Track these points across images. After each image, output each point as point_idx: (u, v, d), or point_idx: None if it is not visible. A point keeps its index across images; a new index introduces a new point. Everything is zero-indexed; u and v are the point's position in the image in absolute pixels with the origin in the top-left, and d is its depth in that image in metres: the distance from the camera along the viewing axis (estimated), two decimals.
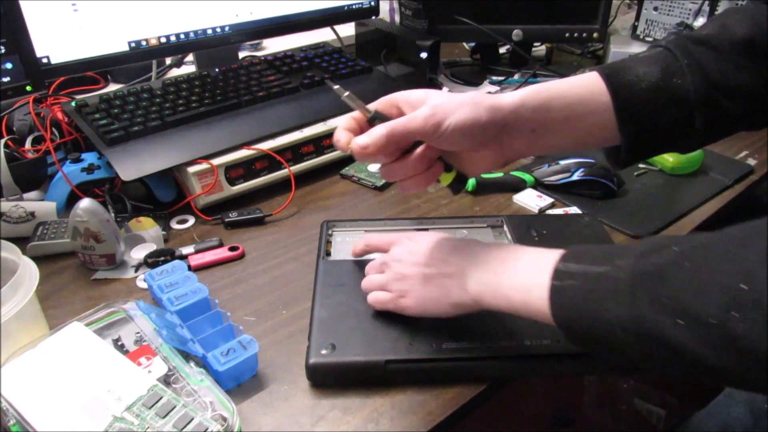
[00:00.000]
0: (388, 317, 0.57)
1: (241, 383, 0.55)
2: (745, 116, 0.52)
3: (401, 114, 0.52)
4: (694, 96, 0.50)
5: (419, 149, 0.51)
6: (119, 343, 0.55)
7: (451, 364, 0.54)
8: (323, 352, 0.54)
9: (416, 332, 0.56)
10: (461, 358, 0.54)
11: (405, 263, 0.56)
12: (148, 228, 0.73)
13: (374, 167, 0.89)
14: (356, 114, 0.52)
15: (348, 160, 0.90)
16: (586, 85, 0.52)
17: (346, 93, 0.50)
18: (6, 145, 0.76)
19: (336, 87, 0.51)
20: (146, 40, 0.87)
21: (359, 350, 0.54)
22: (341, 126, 0.51)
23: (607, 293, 0.40)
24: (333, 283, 0.63)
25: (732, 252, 0.36)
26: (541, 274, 0.45)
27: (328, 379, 0.54)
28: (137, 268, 0.70)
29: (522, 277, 0.47)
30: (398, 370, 0.54)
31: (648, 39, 1.23)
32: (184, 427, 0.46)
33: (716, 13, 1.09)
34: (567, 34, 1.18)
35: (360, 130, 0.51)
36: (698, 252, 0.38)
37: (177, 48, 0.92)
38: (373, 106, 0.52)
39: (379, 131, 0.48)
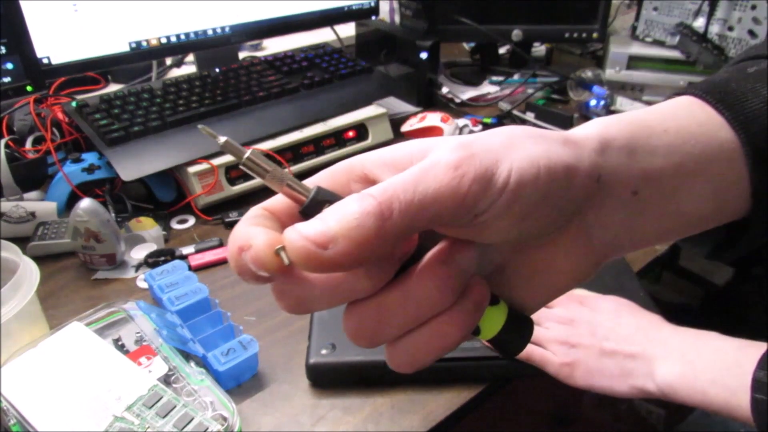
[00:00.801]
0: None
1: (241, 383, 0.55)
2: None
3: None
4: None
5: (434, 254, 0.24)
6: (119, 343, 0.55)
7: (451, 364, 0.54)
8: (323, 352, 0.54)
9: None
10: (461, 358, 0.54)
11: (581, 332, 0.53)
12: (148, 228, 0.73)
13: None
14: (274, 201, 0.25)
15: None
16: (692, 114, 0.29)
17: (224, 139, 0.24)
18: (6, 145, 0.76)
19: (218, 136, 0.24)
20: (146, 40, 0.87)
21: (359, 350, 0.54)
22: (246, 221, 0.24)
23: None
24: None
25: None
26: (741, 376, 0.43)
27: (328, 379, 0.54)
28: (137, 268, 0.70)
29: (723, 377, 0.45)
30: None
31: (647, 39, 1.23)
32: (185, 427, 0.46)
33: (715, 13, 1.09)
34: (567, 35, 1.18)
35: (281, 226, 0.24)
36: None
37: (177, 48, 0.92)
38: (313, 182, 0.25)
39: (353, 207, 0.21)
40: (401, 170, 0.23)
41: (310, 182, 0.25)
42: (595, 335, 0.52)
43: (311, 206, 0.23)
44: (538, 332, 0.52)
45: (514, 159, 0.23)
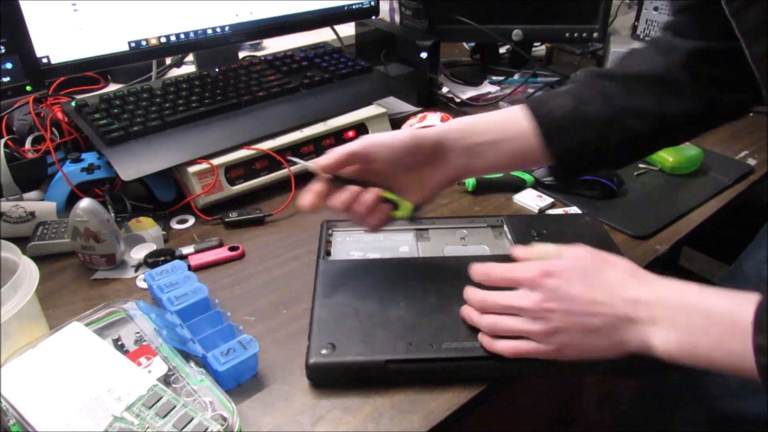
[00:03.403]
0: (388, 317, 0.57)
1: (241, 383, 0.54)
2: (659, 133, 0.62)
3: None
4: (602, 119, 0.60)
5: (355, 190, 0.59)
6: (119, 343, 0.55)
7: (451, 364, 0.54)
8: (323, 352, 0.54)
9: (415, 331, 0.56)
10: (461, 358, 0.54)
11: (557, 313, 0.50)
12: (148, 228, 0.73)
13: None
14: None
15: None
16: (508, 113, 0.62)
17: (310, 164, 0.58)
18: (6, 145, 0.76)
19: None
20: (146, 40, 0.87)
21: (359, 350, 0.54)
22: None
23: None
24: (333, 283, 0.63)
25: None
26: (743, 338, 0.43)
27: (328, 379, 0.54)
28: (137, 268, 0.70)
29: (723, 341, 0.45)
30: (398, 370, 0.54)
31: (648, 39, 1.23)
32: (184, 427, 0.46)
33: None
34: (567, 34, 1.18)
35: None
36: None
37: (177, 48, 0.92)
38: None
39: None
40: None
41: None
42: (572, 313, 0.49)
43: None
44: (517, 323, 0.51)
45: (379, 137, 0.59)
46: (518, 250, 0.57)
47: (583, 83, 0.63)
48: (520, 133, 0.61)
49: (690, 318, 0.47)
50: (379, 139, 0.59)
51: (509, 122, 0.61)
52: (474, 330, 0.55)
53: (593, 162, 0.63)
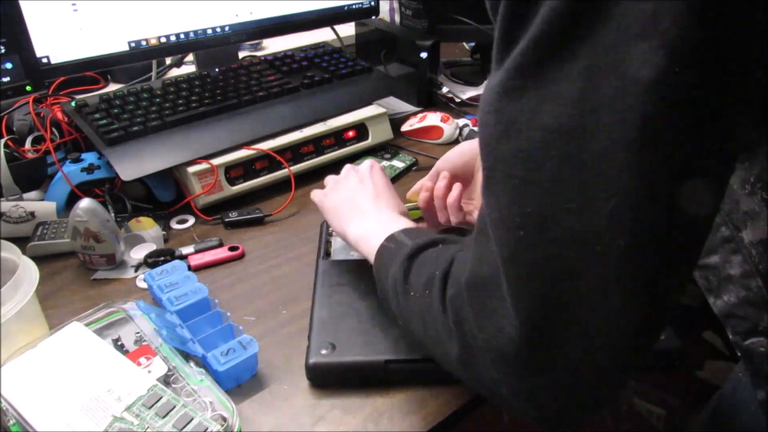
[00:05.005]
0: (388, 317, 0.57)
1: (241, 383, 0.54)
2: None
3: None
4: None
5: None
6: (119, 343, 0.55)
7: None
8: (323, 352, 0.54)
9: None
10: None
11: (343, 181, 0.66)
12: (148, 228, 0.73)
13: None
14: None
15: (347, 159, 0.90)
16: None
17: None
18: (6, 145, 0.76)
19: None
20: (146, 40, 0.87)
21: (359, 350, 0.54)
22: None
23: (395, 259, 0.50)
24: (333, 283, 0.63)
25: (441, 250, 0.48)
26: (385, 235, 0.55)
27: (328, 379, 0.54)
28: (137, 268, 0.70)
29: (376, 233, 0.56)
30: (398, 370, 0.54)
31: None
32: (184, 427, 0.46)
33: None
34: None
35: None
36: (439, 251, 0.48)
37: (177, 48, 0.92)
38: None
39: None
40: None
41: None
42: (349, 187, 0.64)
43: None
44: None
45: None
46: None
47: None
48: None
49: (383, 221, 0.58)
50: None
51: None
52: None
53: None
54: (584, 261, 0.32)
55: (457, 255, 0.44)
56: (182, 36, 0.90)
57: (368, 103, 0.94)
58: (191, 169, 0.78)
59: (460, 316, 0.40)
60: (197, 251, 0.72)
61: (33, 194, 0.80)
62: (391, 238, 0.53)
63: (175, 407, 0.48)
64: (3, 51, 0.75)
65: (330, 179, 0.69)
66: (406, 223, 0.57)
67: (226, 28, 0.94)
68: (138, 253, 0.71)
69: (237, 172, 0.81)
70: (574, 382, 0.36)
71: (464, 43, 1.43)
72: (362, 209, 0.61)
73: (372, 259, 0.55)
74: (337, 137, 0.90)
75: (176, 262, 0.66)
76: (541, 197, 0.32)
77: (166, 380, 0.51)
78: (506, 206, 0.34)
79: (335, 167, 0.89)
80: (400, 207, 0.63)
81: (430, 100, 1.10)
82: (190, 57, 1.16)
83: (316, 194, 0.68)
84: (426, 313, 0.44)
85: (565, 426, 0.38)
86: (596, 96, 0.30)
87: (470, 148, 0.69)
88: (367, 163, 0.67)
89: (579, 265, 0.32)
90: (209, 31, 0.93)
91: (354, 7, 1.07)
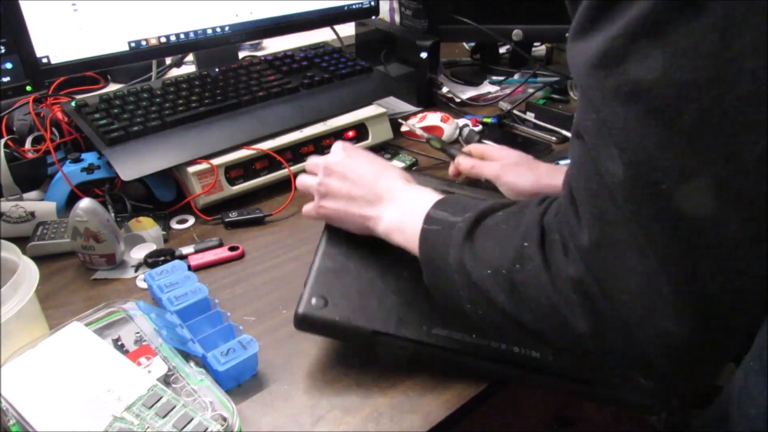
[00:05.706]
0: (386, 286, 0.57)
1: (241, 383, 0.55)
2: None
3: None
4: None
5: None
6: (119, 343, 0.55)
7: (437, 352, 0.54)
8: (314, 302, 0.54)
9: (409, 308, 0.55)
10: (448, 349, 0.53)
11: (335, 176, 0.59)
12: (148, 228, 0.73)
13: None
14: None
15: None
16: None
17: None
18: (6, 145, 0.76)
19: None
20: (146, 40, 0.87)
21: (350, 313, 0.54)
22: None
23: (451, 240, 0.47)
24: (341, 237, 0.61)
25: (517, 217, 0.45)
26: (418, 216, 0.51)
27: (315, 332, 0.54)
28: (137, 268, 0.70)
29: (410, 218, 0.53)
30: (383, 343, 0.53)
31: None
32: (184, 427, 0.46)
33: None
34: (567, 34, 1.18)
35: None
36: (509, 216, 0.46)
37: (177, 48, 0.92)
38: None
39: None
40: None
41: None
42: (345, 179, 0.59)
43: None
44: (309, 179, 0.62)
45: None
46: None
47: None
48: None
49: (407, 201, 0.55)
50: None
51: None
52: (467, 324, 0.55)
53: None
54: (729, 209, 0.33)
55: (545, 222, 0.42)
56: (182, 36, 0.90)
57: (368, 103, 0.94)
58: (191, 169, 0.78)
59: (583, 288, 0.38)
60: (197, 251, 0.72)
61: (33, 194, 0.80)
62: (430, 220, 0.50)
63: (175, 407, 0.48)
64: (3, 51, 0.75)
65: (309, 186, 0.62)
66: (423, 193, 0.55)
67: (226, 28, 0.94)
68: (138, 253, 0.71)
69: (237, 172, 0.81)
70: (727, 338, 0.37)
71: (464, 43, 1.42)
72: (370, 200, 0.57)
73: (415, 248, 0.51)
74: (337, 137, 0.90)
75: (176, 262, 0.66)
76: (682, 150, 0.33)
77: (166, 380, 0.51)
78: (645, 161, 0.34)
79: None
80: (398, 172, 0.59)
81: (430, 100, 1.10)
82: (190, 57, 1.16)
83: (308, 211, 0.63)
84: (523, 290, 0.42)
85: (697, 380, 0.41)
86: (735, 45, 0.31)
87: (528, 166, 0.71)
88: (337, 148, 0.62)
89: (725, 213, 0.33)
90: (209, 31, 0.93)
91: (354, 7, 1.07)
